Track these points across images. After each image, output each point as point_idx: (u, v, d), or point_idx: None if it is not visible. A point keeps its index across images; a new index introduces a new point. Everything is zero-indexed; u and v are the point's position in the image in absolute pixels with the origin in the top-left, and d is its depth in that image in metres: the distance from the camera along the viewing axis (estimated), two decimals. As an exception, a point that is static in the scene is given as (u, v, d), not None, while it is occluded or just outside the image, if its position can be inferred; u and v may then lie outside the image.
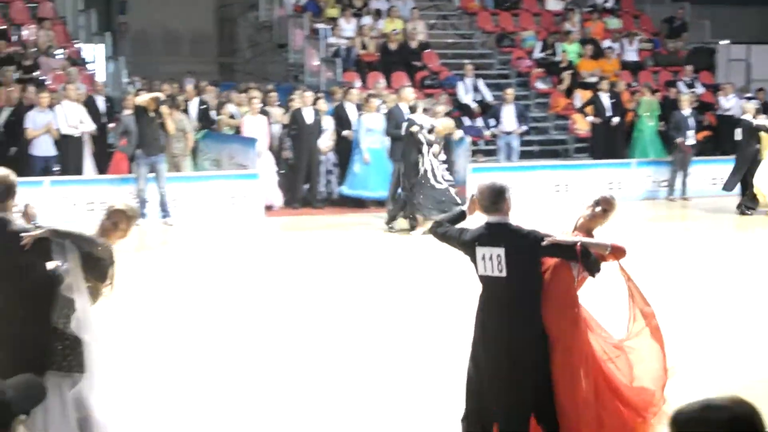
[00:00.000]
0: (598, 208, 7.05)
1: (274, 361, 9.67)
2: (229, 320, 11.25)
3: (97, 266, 6.49)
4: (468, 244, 6.76)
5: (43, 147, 18.67)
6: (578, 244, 6.62)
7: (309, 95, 20.10)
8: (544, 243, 6.58)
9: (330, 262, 14.84)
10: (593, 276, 6.73)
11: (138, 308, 11.63)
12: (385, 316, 11.48)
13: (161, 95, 18.50)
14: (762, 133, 19.15)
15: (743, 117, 19.71)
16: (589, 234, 6.97)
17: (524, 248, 6.62)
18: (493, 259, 6.63)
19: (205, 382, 8.98)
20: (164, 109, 17.99)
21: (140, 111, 17.97)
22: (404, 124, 17.34)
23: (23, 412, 2.93)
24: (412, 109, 18.08)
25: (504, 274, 6.59)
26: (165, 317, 11.38)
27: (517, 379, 6.60)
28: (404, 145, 17.21)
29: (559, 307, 6.72)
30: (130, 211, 6.92)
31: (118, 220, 6.82)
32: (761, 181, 19.05)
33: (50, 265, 6.56)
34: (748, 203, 19.30)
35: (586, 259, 6.61)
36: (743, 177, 19.37)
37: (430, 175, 16.73)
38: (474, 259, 6.73)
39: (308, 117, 19.75)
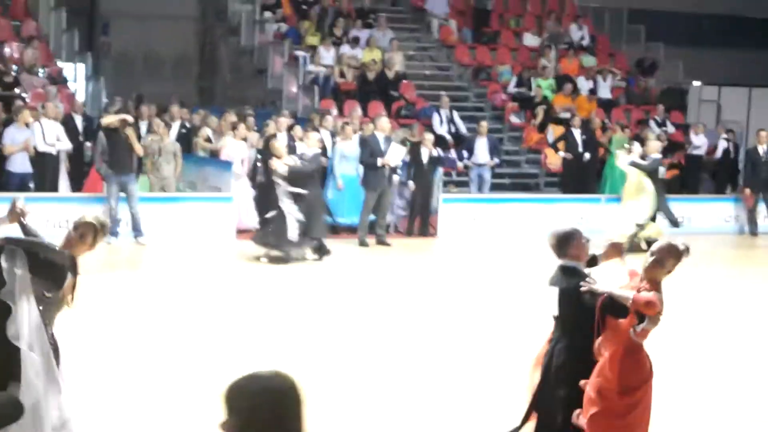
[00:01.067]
0: (651, 258, 6.98)
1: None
2: (195, 341, 11.45)
3: (51, 272, 6.58)
4: None
5: (20, 164, 18.87)
6: (604, 295, 6.93)
7: (284, 120, 20.41)
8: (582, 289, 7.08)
9: (299, 285, 15.07)
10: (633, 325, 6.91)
11: (102, 326, 11.83)
12: (359, 340, 11.71)
13: (129, 117, 18.67)
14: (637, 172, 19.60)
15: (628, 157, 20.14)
16: (653, 284, 6.89)
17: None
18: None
19: (167, 400, 9.19)
20: (129, 131, 18.09)
21: (110, 131, 18.17)
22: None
23: (1, 427, 3.04)
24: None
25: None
26: (129, 336, 11.57)
27: None
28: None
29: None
30: (98, 224, 7.07)
31: (85, 232, 6.98)
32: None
33: None
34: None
35: (609, 310, 6.92)
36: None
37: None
38: None
39: (282, 142, 20.03)
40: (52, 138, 19.29)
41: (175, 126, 21.13)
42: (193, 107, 24.81)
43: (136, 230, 18.15)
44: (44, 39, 24.74)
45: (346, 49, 26.23)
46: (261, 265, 16.72)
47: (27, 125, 19.03)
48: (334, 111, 23.64)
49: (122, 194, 18.08)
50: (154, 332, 11.72)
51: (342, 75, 25.56)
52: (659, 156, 20.35)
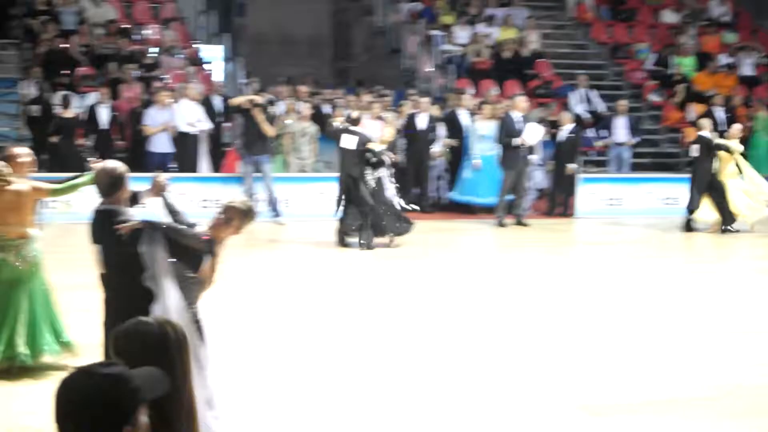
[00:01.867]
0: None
1: (379, 362, 9.80)
2: (334, 322, 11.40)
3: (188, 255, 6.66)
4: None
5: (161, 144, 19.14)
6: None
7: (424, 101, 20.34)
8: None
9: (439, 266, 14.95)
10: None
11: (241, 305, 11.88)
12: (504, 321, 11.56)
13: (257, 98, 18.76)
14: (721, 153, 18.69)
15: (701, 133, 19.16)
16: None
17: None
18: None
19: (300, 378, 9.15)
20: (257, 112, 18.15)
21: (244, 111, 18.29)
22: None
23: (146, 400, 2.98)
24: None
25: None
26: (265, 314, 11.58)
27: None
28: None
29: None
30: (245, 209, 7.12)
31: (232, 217, 7.04)
32: (737, 200, 18.73)
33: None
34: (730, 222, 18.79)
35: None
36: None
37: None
38: None
39: (421, 122, 19.98)
40: (192, 118, 19.51)
41: (309, 106, 21.20)
42: (327, 88, 24.86)
43: (274, 210, 18.25)
44: (182, 21, 25.05)
45: (481, 27, 26.00)
46: (400, 246, 16.60)
47: (167, 106, 19.29)
48: (470, 90, 23.45)
49: (258, 174, 18.18)
50: (287, 311, 11.71)
51: (477, 54, 25.34)
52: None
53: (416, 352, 9.92)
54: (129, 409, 2.92)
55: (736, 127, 19.61)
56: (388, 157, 16.02)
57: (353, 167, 15.67)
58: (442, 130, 20.42)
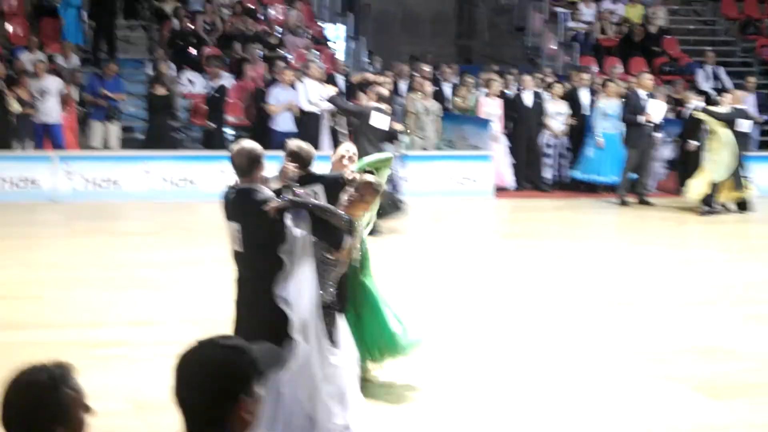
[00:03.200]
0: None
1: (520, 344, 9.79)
2: (461, 304, 11.40)
3: (332, 235, 6.62)
4: None
5: (284, 123, 19.31)
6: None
7: (528, 78, 20.24)
8: None
9: (563, 248, 14.84)
10: None
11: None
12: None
13: (370, 75, 18.83)
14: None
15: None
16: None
17: None
18: None
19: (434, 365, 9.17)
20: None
21: (362, 88, 18.35)
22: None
23: (264, 374, 3.03)
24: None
25: None
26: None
27: None
28: None
29: None
30: (377, 185, 7.11)
31: (365, 193, 7.02)
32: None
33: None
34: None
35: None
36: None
37: None
38: None
39: (528, 100, 19.88)
40: (316, 97, 19.64)
41: (431, 85, 21.18)
42: (450, 66, 24.79)
43: (395, 189, 18.24)
44: (307, 0, 25.20)
45: (607, 4, 25.66)
46: (521, 222, 16.51)
47: (291, 85, 19.45)
48: (595, 68, 23.18)
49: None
50: (410, 293, 11.71)
51: (603, 31, 25.02)
52: (741, 107, 18.36)
53: (564, 339, 9.89)
54: (247, 379, 2.98)
55: None
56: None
57: (383, 146, 15.35)
58: (564, 107, 20.22)
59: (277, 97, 19.31)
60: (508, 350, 9.27)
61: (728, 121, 17.69)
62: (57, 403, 3.04)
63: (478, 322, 10.25)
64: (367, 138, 14.65)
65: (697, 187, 17.73)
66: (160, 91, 19.49)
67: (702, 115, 18.05)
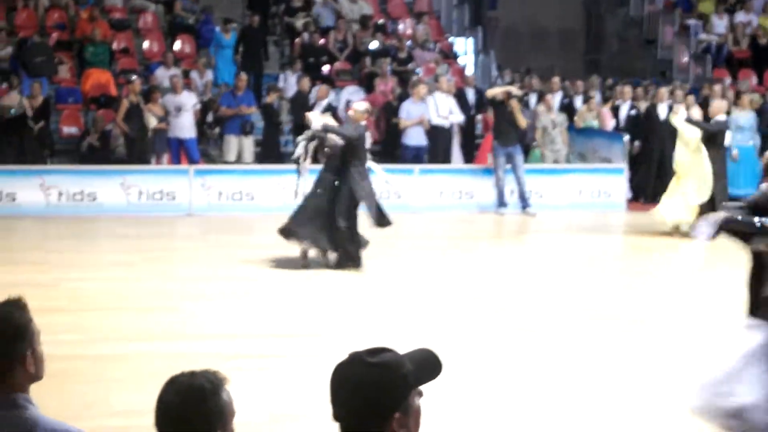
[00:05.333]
0: None
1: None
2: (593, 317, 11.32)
3: None
4: None
5: (415, 137, 19.39)
6: None
7: (663, 91, 19.98)
8: None
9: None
10: None
11: (490, 295, 11.94)
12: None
13: (514, 89, 18.77)
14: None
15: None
16: None
17: None
18: None
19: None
20: (513, 103, 18.13)
21: (496, 103, 18.36)
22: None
23: (420, 384, 3.03)
24: None
25: None
26: (516, 305, 11.58)
27: None
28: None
29: None
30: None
31: None
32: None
33: None
34: None
35: None
36: None
37: None
38: None
39: (662, 113, 19.63)
40: (446, 111, 19.70)
41: (557, 98, 21.13)
42: (578, 79, 24.64)
43: (523, 201, 18.23)
44: (435, 15, 25.33)
45: (740, 16, 25.22)
46: (653, 237, 16.30)
47: (422, 99, 19.54)
48: (728, 80, 22.80)
49: (509, 165, 18.19)
50: (541, 303, 11.67)
51: (736, 42, 24.61)
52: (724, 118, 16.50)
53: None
54: (400, 397, 2.99)
55: None
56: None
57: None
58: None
59: (409, 111, 19.41)
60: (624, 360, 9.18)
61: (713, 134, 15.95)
62: (219, 407, 3.15)
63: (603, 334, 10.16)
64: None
65: None
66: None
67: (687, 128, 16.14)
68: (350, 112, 13.69)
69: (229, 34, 21.66)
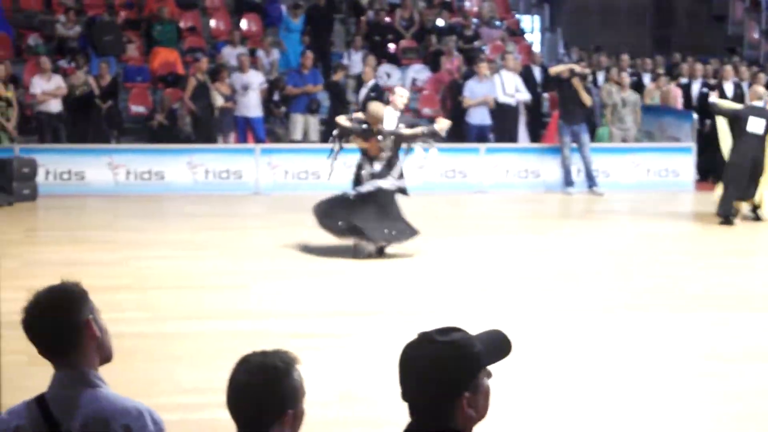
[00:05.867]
0: None
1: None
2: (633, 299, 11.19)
3: None
4: None
5: (479, 116, 19.28)
6: None
7: (728, 68, 19.71)
8: None
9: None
10: None
11: (558, 276, 11.83)
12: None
13: (577, 67, 18.56)
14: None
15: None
16: None
17: None
18: None
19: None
20: (576, 81, 17.94)
21: (560, 81, 18.18)
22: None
23: (489, 364, 3.05)
24: None
25: None
26: (586, 287, 11.47)
27: None
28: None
29: None
30: None
31: None
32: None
33: None
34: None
35: None
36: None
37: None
38: None
39: (728, 91, 19.33)
40: (512, 89, 19.56)
41: (627, 76, 20.87)
42: (648, 56, 24.35)
43: (590, 180, 18.08)
44: (503, -8, 25.17)
45: (814, -9, 24.84)
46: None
47: (487, 78, 19.41)
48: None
49: (575, 144, 18.03)
50: (617, 287, 11.55)
51: (809, 19, 24.23)
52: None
53: None
54: (469, 375, 3.01)
55: None
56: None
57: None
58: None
59: (473, 90, 19.29)
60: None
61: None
62: (291, 387, 3.19)
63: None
64: None
65: None
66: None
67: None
68: (398, 99, 12.82)
69: (298, 18, 21.65)
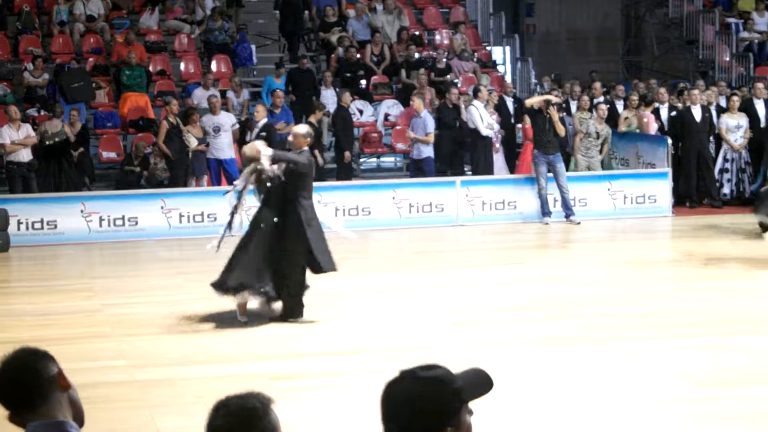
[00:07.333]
0: None
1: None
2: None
3: None
4: None
5: (424, 149, 19.19)
6: None
7: (695, 93, 19.65)
8: None
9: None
10: None
11: (541, 306, 11.73)
12: None
13: (553, 98, 18.51)
14: None
15: None
16: None
17: None
18: None
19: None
20: (552, 111, 17.87)
21: (534, 111, 18.13)
22: None
23: (471, 399, 3.03)
24: None
25: None
26: (569, 316, 11.37)
27: None
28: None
29: None
30: None
31: None
32: None
33: None
34: None
35: None
36: None
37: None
38: None
39: (697, 114, 19.30)
40: (486, 121, 19.50)
41: (605, 108, 20.85)
42: (618, 83, 24.36)
43: (567, 209, 18.00)
44: (472, 24, 25.17)
45: (782, 12, 24.93)
46: (700, 241, 16.02)
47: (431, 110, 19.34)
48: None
49: (550, 174, 17.94)
50: (595, 314, 11.46)
51: (778, 40, 24.30)
52: None
53: None
54: (451, 411, 2.98)
55: None
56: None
57: None
58: (743, 120, 19.62)
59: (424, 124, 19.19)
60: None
61: None
62: (272, 427, 3.14)
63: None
64: None
65: None
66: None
67: None
68: (290, 138, 11.62)
69: (280, 78, 21.55)
